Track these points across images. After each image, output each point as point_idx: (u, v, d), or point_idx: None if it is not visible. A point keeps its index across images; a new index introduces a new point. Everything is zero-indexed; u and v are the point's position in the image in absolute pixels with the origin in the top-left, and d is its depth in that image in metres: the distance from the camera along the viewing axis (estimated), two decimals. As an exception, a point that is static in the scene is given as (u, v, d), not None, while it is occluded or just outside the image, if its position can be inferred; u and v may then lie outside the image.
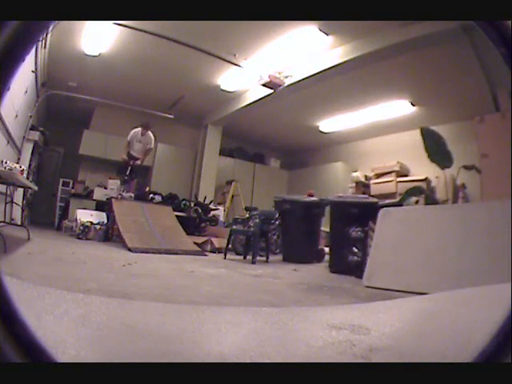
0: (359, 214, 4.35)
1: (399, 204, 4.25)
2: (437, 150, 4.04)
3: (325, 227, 5.53)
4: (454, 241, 3.00)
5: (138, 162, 6.63)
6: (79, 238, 5.62)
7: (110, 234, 5.94)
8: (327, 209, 5.22)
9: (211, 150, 8.89)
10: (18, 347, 0.49)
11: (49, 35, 4.95)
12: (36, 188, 5.04)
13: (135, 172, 6.63)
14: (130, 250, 4.59)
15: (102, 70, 6.36)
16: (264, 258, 5.06)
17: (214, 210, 7.65)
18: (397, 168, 7.57)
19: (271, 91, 6.44)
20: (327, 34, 5.04)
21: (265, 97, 6.72)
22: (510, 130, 4.58)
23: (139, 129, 6.47)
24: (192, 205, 7.43)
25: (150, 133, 6.53)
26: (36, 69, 5.37)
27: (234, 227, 5.36)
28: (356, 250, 4.27)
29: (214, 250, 5.73)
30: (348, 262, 4.26)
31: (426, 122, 5.62)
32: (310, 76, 5.89)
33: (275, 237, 5.99)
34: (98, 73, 6.47)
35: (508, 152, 3.94)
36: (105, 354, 1.08)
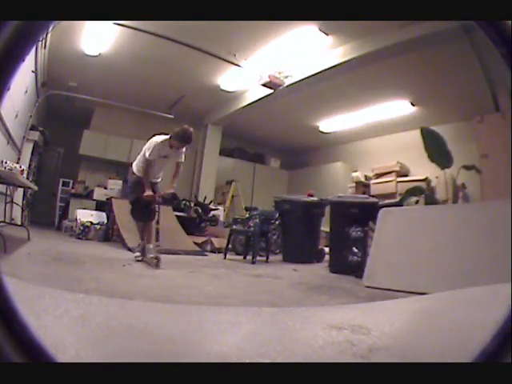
0: (359, 214, 4.34)
1: (399, 204, 4.25)
2: (437, 150, 4.04)
3: (325, 227, 5.53)
4: (454, 241, 3.00)
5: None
6: (79, 238, 5.63)
7: (110, 234, 5.95)
8: (327, 209, 5.22)
9: (211, 150, 8.88)
10: (17, 347, 0.49)
11: (49, 35, 4.94)
12: (36, 188, 5.04)
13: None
14: (129, 250, 4.59)
15: (102, 69, 6.35)
16: (264, 258, 5.06)
17: (214, 209, 7.64)
18: (397, 168, 7.56)
19: (271, 91, 6.43)
20: (327, 34, 5.04)
21: (265, 97, 6.70)
22: (510, 130, 4.58)
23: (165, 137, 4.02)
24: (192, 205, 7.43)
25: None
26: (36, 69, 5.36)
27: (234, 227, 5.35)
28: (356, 250, 4.27)
29: (214, 250, 5.73)
30: (348, 262, 4.26)
31: (426, 122, 5.62)
32: (310, 76, 5.89)
33: (275, 237, 5.98)
34: (98, 73, 6.46)
35: (508, 152, 3.94)
36: (105, 354, 1.07)
